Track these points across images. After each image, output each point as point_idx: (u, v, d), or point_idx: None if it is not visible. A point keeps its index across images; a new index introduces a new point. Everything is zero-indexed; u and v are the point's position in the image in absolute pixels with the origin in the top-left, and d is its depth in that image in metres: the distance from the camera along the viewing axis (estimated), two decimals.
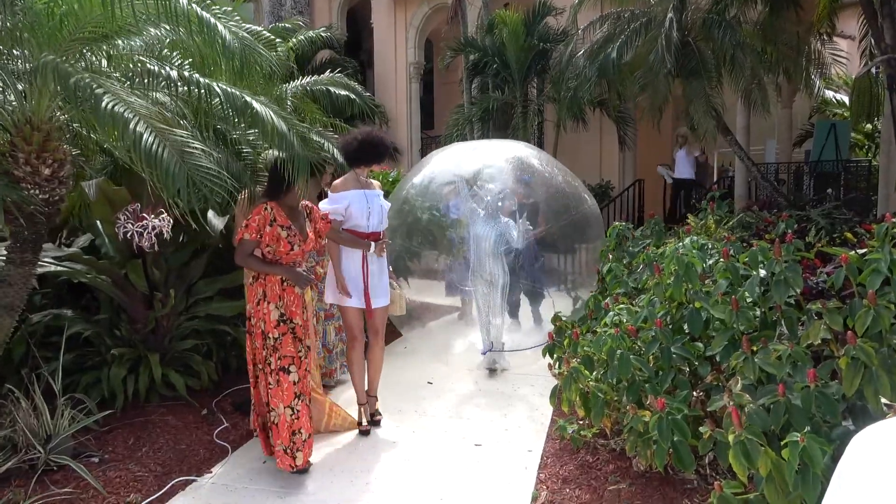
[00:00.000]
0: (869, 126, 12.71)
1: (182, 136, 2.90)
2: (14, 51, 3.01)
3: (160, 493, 3.35)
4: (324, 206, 4.11)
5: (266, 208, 3.49)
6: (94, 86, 2.70)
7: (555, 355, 4.15)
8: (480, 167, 5.59)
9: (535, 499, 3.36)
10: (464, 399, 4.88)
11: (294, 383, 3.50)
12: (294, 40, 5.43)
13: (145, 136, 2.66)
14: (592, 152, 12.72)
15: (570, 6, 10.36)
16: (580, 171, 12.88)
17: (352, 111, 6.49)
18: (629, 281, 4.74)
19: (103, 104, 2.64)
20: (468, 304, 6.32)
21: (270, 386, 3.49)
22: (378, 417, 4.34)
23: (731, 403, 2.55)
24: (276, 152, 3.60)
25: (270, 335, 3.48)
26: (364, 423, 4.25)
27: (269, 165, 3.64)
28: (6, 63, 3.04)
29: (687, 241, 4.12)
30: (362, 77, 16.10)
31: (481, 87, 12.95)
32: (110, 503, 3.21)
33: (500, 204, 5.19)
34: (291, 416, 3.48)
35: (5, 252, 3.35)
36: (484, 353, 5.44)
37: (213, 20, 2.99)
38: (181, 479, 3.50)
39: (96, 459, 3.53)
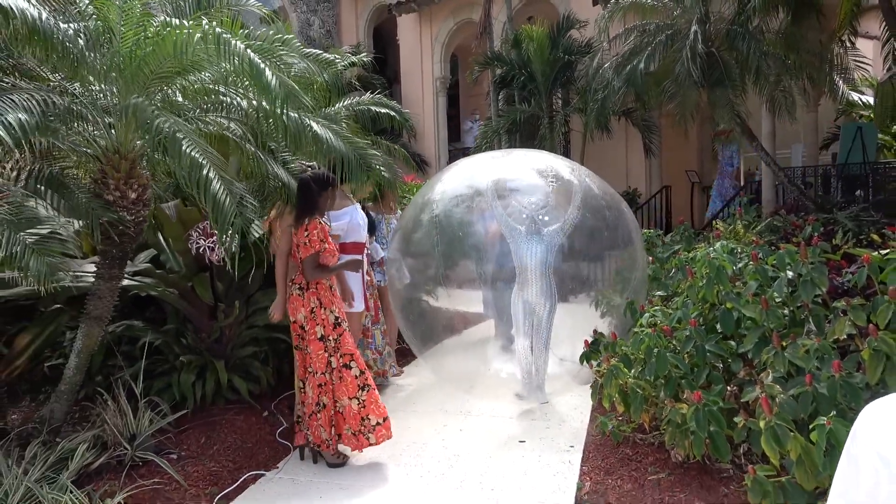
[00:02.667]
0: None
1: (240, 190, 3.29)
2: (105, 86, 3.37)
3: (234, 485, 3.67)
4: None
5: (320, 221, 3.88)
6: (176, 129, 3.06)
7: (591, 359, 4.40)
8: (509, 179, 5.02)
9: (580, 489, 3.60)
10: (505, 400, 5.13)
11: (356, 377, 3.87)
12: (343, 64, 5.80)
13: (214, 184, 3.06)
14: (619, 160, 12.93)
15: (593, 19, 10.62)
16: (607, 179, 13.06)
17: (382, 126, 6.84)
18: (667, 283, 4.98)
19: (184, 148, 3.01)
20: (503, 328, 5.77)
21: (333, 383, 3.83)
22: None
23: (763, 393, 2.78)
24: (317, 169, 4.03)
25: (331, 337, 3.85)
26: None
27: (300, 184, 3.99)
28: (97, 100, 3.40)
29: (717, 245, 4.35)
30: (389, 92, 16.52)
31: (507, 99, 13.27)
32: (192, 494, 3.53)
33: (543, 218, 4.66)
34: (358, 405, 3.85)
35: (94, 268, 3.71)
36: (522, 398, 5.01)
37: (262, 65, 3.30)
38: (252, 473, 3.82)
39: (175, 456, 3.86)
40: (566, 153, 14.12)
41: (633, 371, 3.80)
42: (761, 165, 10.98)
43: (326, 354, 3.85)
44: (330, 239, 3.95)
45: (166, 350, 4.67)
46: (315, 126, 3.60)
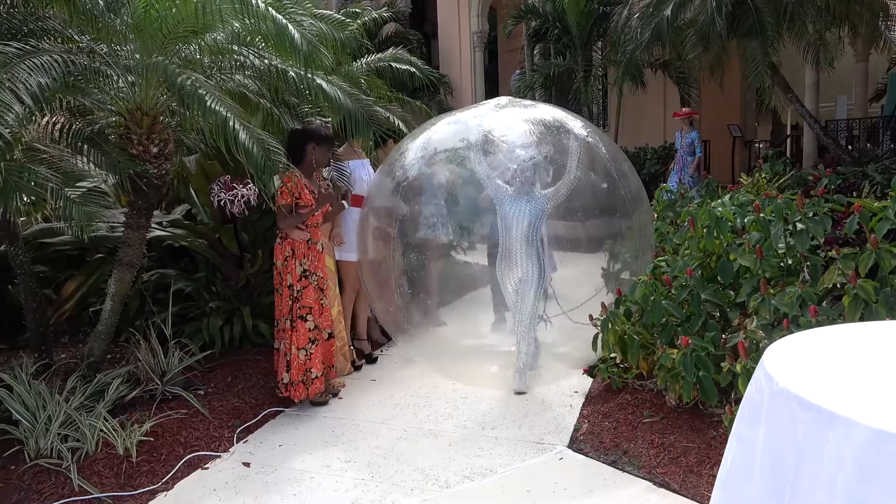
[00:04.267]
0: None
1: (262, 135, 3.48)
2: (124, 47, 3.59)
3: (255, 419, 3.98)
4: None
5: (297, 175, 4.07)
6: (198, 86, 3.26)
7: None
8: (500, 132, 4.37)
9: (577, 430, 3.78)
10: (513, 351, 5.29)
11: (309, 330, 4.08)
12: (360, 21, 5.92)
13: (241, 135, 3.25)
14: (656, 114, 12.71)
15: None
16: (644, 133, 12.96)
17: (414, 84, 6.94)
18: (674, 238, 5.01)
19: (208, 104, 3.22)
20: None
21: (290, 330, 4.07)
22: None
23: (743, 338, 2.87)
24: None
25: (294, 287, 4.07)
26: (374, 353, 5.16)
27: (286, 139, 4.20)
28: (118, 59, 3.62)
29: (726, 197, 4.38)
30: (426, 48, 16.47)
31: (543, 53, 13.11)
32: (215, 426, 3.85)
33: (529, 174, 4.09)
34: (304, 356, 4.07)
35: (124, 218, 4.00)
36: (520, 391, 4.32)
37: (283, 20, 3.47)
38: (272, 409, 4.12)
39: (202, 392, 4.18)
40: (603, 108, 13.94)
41: (631, 319, 3.91)
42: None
43: (290, 302, 4.07)
44: (307, 194, 4.04)
45: (197, 297, 4.99)
46: (323, 83, 3.75)
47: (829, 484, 1.12)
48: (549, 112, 4.53)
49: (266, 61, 3.90)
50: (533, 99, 12.20)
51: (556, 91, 12.43)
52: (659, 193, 5.64)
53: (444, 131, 4.60)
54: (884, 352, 1.47)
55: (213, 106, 3.36)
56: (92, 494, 3.13)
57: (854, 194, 5.14)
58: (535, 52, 13.07)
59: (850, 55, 11.12)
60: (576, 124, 4.43)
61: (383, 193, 4.65)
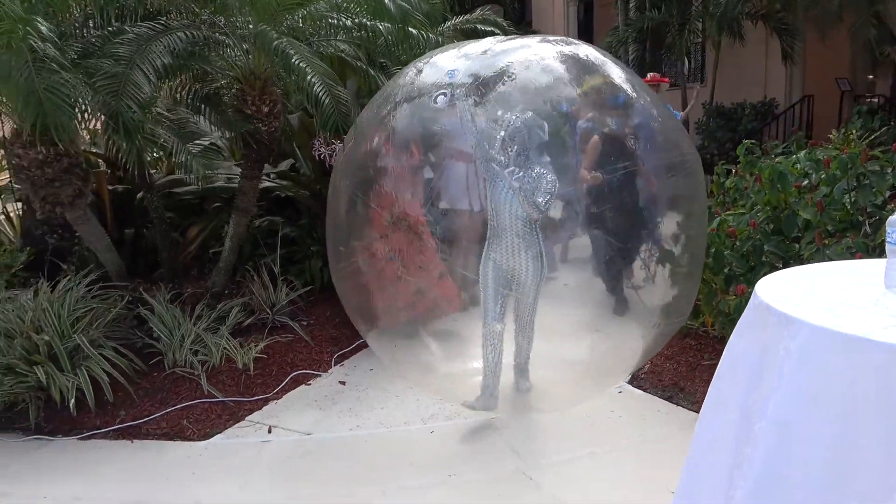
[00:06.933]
0: None
1: (340, 92, 3.91)
2: (241, 18, 4.12)
3: (350, 348, 4.54)
4: None
5: None
6: (288, 48, 3.74)
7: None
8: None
9: (639, 369, 4.08)
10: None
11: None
12: None
13: (317, 87, 3.71)
14: (756, 68, 12.21)
15: None
16: (743, 88, 12.51)
17: None
18: (751, 193, 5.08)
19: (293, 61, 3.71)
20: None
21: None
22: None
23: None
24: None
25: None
26: None
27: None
28: (235, 30, 4.15)
29: (802, 154, 4.45)
30: (520, 3, 16.41)
31: (639, 6, 12.82)
32: (316, 351, 4.45)
33: (520, 138, 3.05)
34: None
35: (240, 170, 4.60)
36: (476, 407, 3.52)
37: None
38: (364, 340, 4.65)
39: (305, 322, 4.79)
40: (701, 62, 13.51)
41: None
42: None
43: None
44: None
45: (301, 242, 5.60)
46: (412, 31, 4.16)
47: (780, 371, 1.43)
48: (585, 51, 3.39)
49: (366, 23, 4.33)
50: (626, 55, 12.04)
51: (651, 46, 12.20)
52: (741, 149, 5.64)
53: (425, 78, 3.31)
54: (855, 277, 1.73)
55: (297, 63, 3.85)
56: (218, 398, 3.79)
57: None
58: (629, 5, 12.79)
59: None
60: (614, 70, 3.37)
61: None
